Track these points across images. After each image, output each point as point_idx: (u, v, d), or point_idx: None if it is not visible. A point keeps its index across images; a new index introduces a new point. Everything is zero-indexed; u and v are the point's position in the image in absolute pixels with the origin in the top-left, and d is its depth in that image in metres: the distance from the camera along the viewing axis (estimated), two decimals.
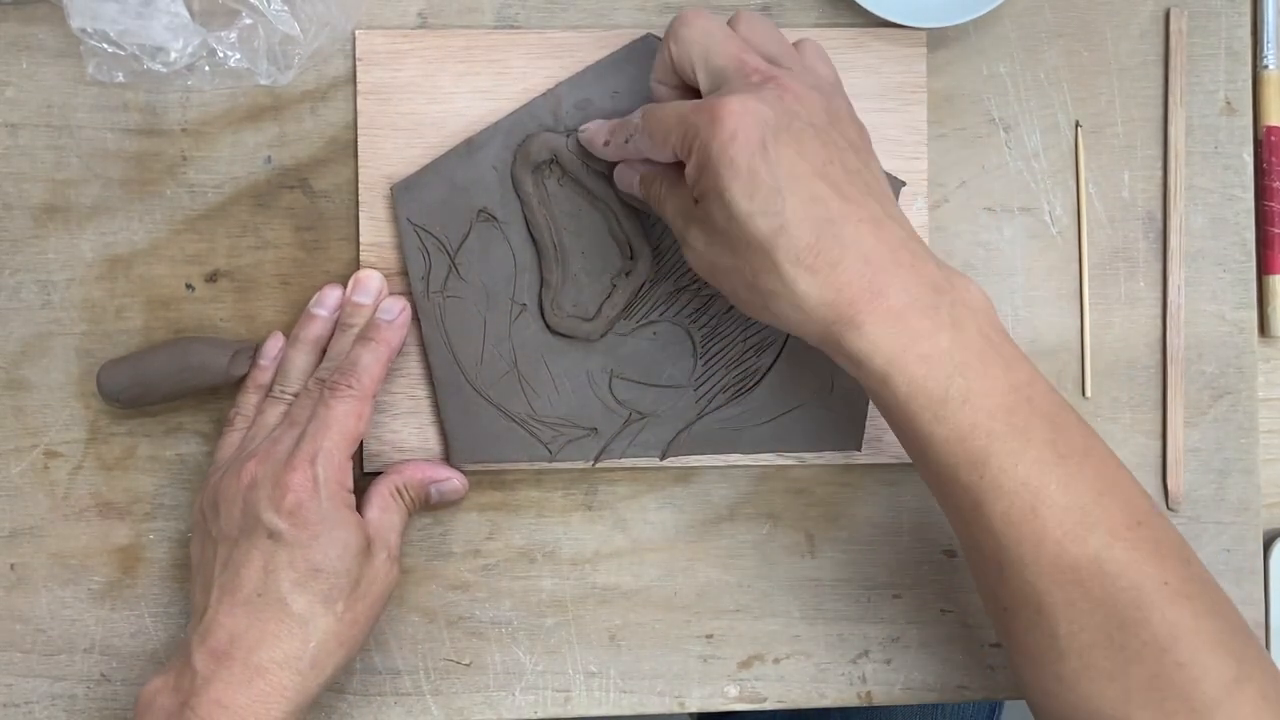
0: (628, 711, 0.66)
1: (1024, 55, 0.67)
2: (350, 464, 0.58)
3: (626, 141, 0.58)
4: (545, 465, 0.64)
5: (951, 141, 0.66)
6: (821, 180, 0.52)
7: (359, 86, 0.64)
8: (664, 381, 0.64)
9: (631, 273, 0.63)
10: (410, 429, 0.64)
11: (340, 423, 0.58)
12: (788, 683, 0.66)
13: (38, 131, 0.64)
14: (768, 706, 0.66)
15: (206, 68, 0.64)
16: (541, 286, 0.63)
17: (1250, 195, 0.67)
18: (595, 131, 0.61)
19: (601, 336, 0.63)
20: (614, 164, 0.62)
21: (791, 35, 0.65)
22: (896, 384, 0.52)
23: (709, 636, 0.66)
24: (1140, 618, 0.50)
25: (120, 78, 0.63)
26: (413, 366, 0.64)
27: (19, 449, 0.64)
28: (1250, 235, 0.67)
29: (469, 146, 0.63)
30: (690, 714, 0.81)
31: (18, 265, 0.64)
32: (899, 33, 0.65)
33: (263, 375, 0.63)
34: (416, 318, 0.64)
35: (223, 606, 0.56)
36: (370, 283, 0.62)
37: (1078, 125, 0.67)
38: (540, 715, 0.65)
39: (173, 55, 0.63)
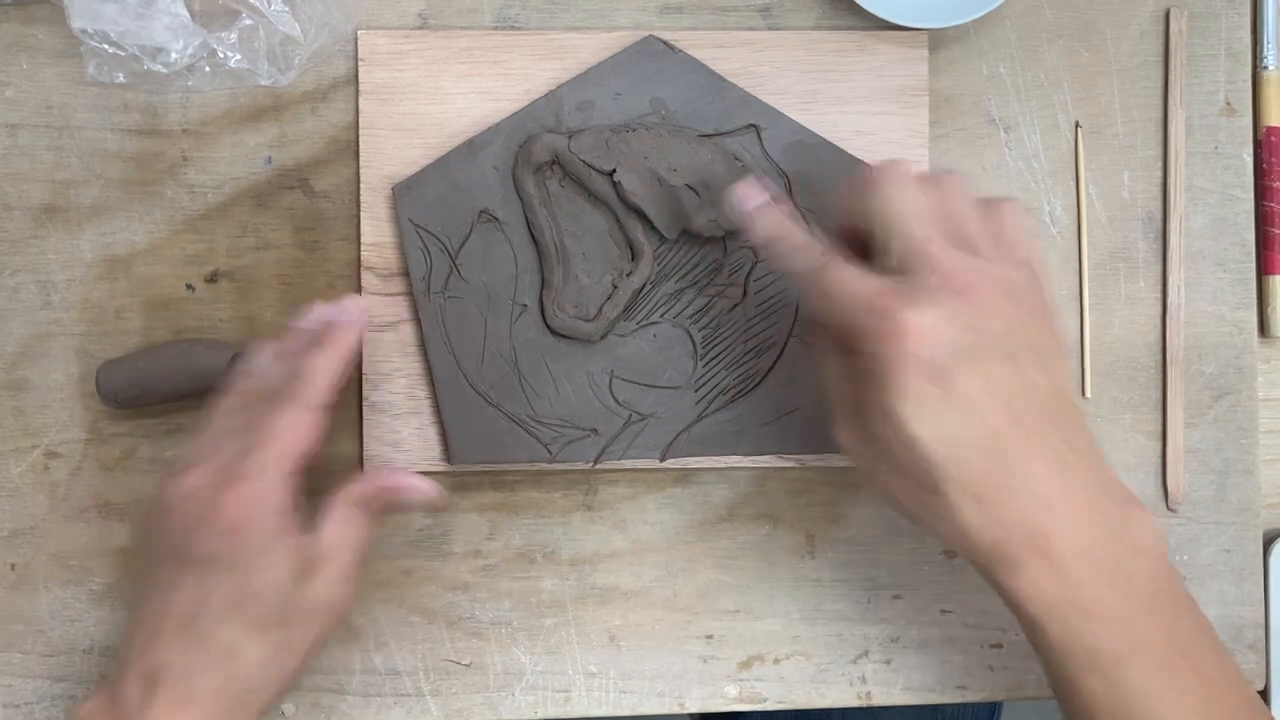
0: (628, 711, 0.66)
1: (1024, 55, 0.67)
2: (291, 480, 0.54)
3: (791, 254, 0.54)
4: (545, 466, 0.64)
5: (952, 142, 0.66)
6: (1003, 410, 0.49)
7: (361, 87, 0.64)
8: (664, 383, 0.64)
9: (632, 274, 0.63)
10: (410, 429, 0.64)
11: (282, 437, 0.54)
12: (788, 683, 0.66)
13: (38, 132, 0.64)
14: (768, 707, 0.66)
15: (207, 68, 0.64)
16: (542, 287, 0.63)
17: (1250, 195, 0.67)
18: (759, 205, 0.56)
19: (602, 337, 0.63)
20: (613, 169, 0.62)
21: (792, 37, 0.65)
22: (1051, 633, 0.49)
23: (709, 637, 0.66)
24: None
25: (120, 78, 0.63)
26: (413, 366, 0.64)
27: (19, 449, 0.64)
28: (1250, 235, 0.67)
29: (470, 147, 0.63)
30: (690, 714, 0.81)
31: (18, 265, 0.64)
32: (900, 35, 0.65)
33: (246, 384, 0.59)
34: (417, 318, 0.64)
35: (153, 631, 0.54)
36: (351, 305, 0.59)
37: (1078, 125, 0.67)
38: (540, 715, 0.65)
39: (173, 56, 0.63)
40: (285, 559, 0.54)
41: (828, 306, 0.51)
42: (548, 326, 0.63)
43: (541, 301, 0.63)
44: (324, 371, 0.56)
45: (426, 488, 0.58)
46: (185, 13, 0.62)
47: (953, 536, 0.50)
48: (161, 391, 0.62)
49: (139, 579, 0.57)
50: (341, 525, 0.56)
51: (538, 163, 0.63)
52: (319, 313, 0.59)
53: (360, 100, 0.64)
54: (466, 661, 0.65)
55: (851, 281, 0.50)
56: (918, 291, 0.49)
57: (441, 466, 0.64)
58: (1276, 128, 0.67)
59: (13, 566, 0.64)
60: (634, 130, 0.63)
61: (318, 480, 0.65)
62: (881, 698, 0.66)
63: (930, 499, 0.50)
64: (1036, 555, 0.49)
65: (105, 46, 0.62)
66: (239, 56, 0.63)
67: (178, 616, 0.53)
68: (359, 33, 0.64)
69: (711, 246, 0.64)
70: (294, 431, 0.54)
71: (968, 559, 0.51)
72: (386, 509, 0.58)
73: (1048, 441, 0.49)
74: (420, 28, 0.65)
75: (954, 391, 0.48)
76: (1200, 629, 0.51)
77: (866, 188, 0.52)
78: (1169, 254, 0.67)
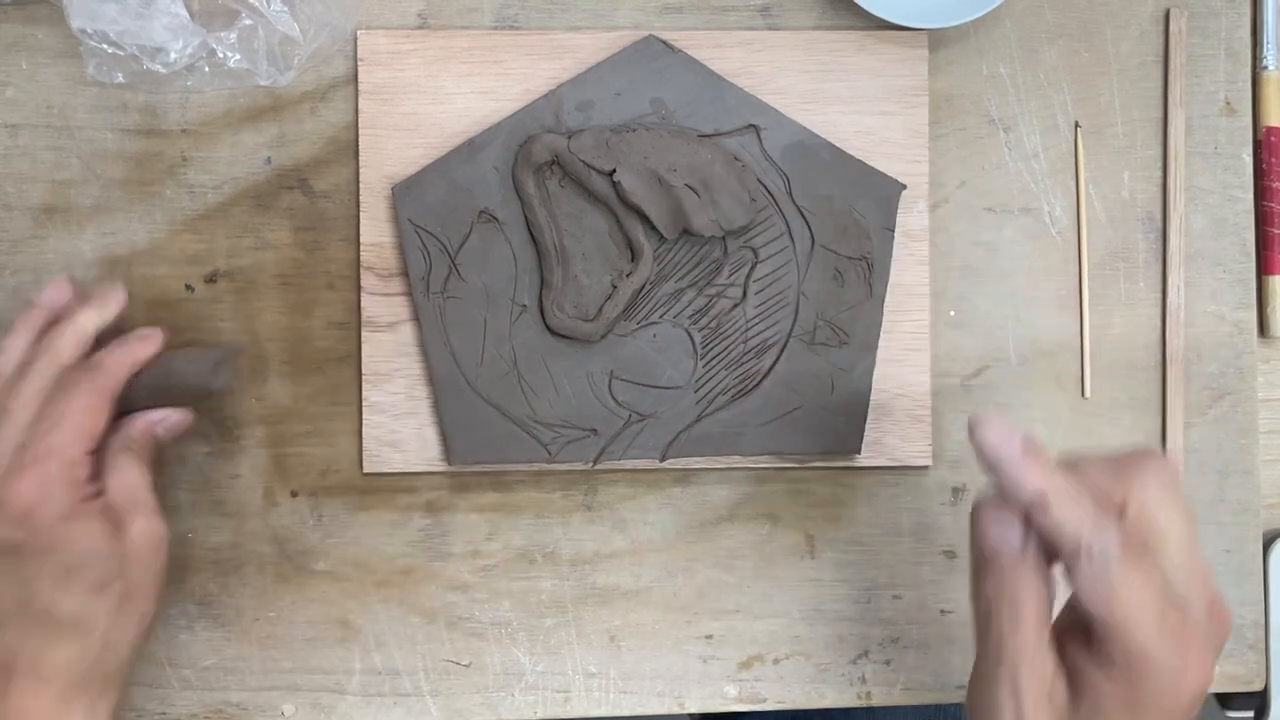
0: (628, 712, 0.66)
1: (1024, 55, 0.67)
2: (87, 460, 0.56)
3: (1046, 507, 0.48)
4: (545, 466, 0.64)
5: (951, 142, 0.66)
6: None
7: (360, 86, 0.64)
8: (664, 383, 0.64)
9: (632, 274, 0.63)
10: (410, 429, 0.64)
11: (78, 418, 0.55)
12: (788, 683, 0.66)
13: (38, 132, 0.64)
14: (768, 707, 0.66)
15: (206, 68, 0.64)
16: (542, 287, 0.63)
17: (1250, 195, 0.67)
18: (1033, 470, 0.48)
19: (602, 337, 0.63)
20: (613, 169, 0.62)
21: (792, 37, 0.65)
22: None
23: (709, 637, 0.66)
24: None
25: (120, 78, 0.63)
26: (413, 366, 0.64)
27: None
28: (1250, 235, 0.67)
29: (470, 147, 0.63)
30: (690, 714, 0.81)
31: (18, 265, 0.64)
32: (900, 35, 0.65)
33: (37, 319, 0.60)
34: (416, 318, 0.64)
35: None
36: (60, 288, 0.60)
37: (1077, 125, 0.67)
38: (540, 716, 0.65)
39: (173, 56, 0.63)
40: (94, 522, 0.55)
41: (1115, 607, 0.46)
42: (547, 326, 0.63)
43: (541, 301, 0.63)
44: (118, 367, 0.57)
45: (177, 414, 0.60)
46: (185, 13, 0.62)
47: None
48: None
49: None
50: (122, 472, 0.57)
51: (538, 163, 0.63)
52: (55, 292, 0.60)
53: (360, 100, 0.64)
54: (466, 662, 0.65)
55: (1150, 596, 0.46)
56: (1206, 639, 0.47)
57: (441, 467, 0.64)
58: (1276, 128, 0.67)
59: None
60: (634, 130, 0.63)
61: (315, 480, 0.65)
62: (881, 698, 0.66)
63: None
64: None
65: (105, 46, 0.62)
66: (238, 56, 0.63)
67: (12, 606, 0.54)
68: (359, 33, 0.64)
69: (711, 246, 0.64)
70: (87, 417, 0.56)
71: None
72: (151, 446, 0.59)
73: None
74: (420, 28, 0.65)
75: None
76: None
77: (1159, 493, 0.47)
78: (1169, 254, 0.67)
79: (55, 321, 0.59)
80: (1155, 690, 0.45)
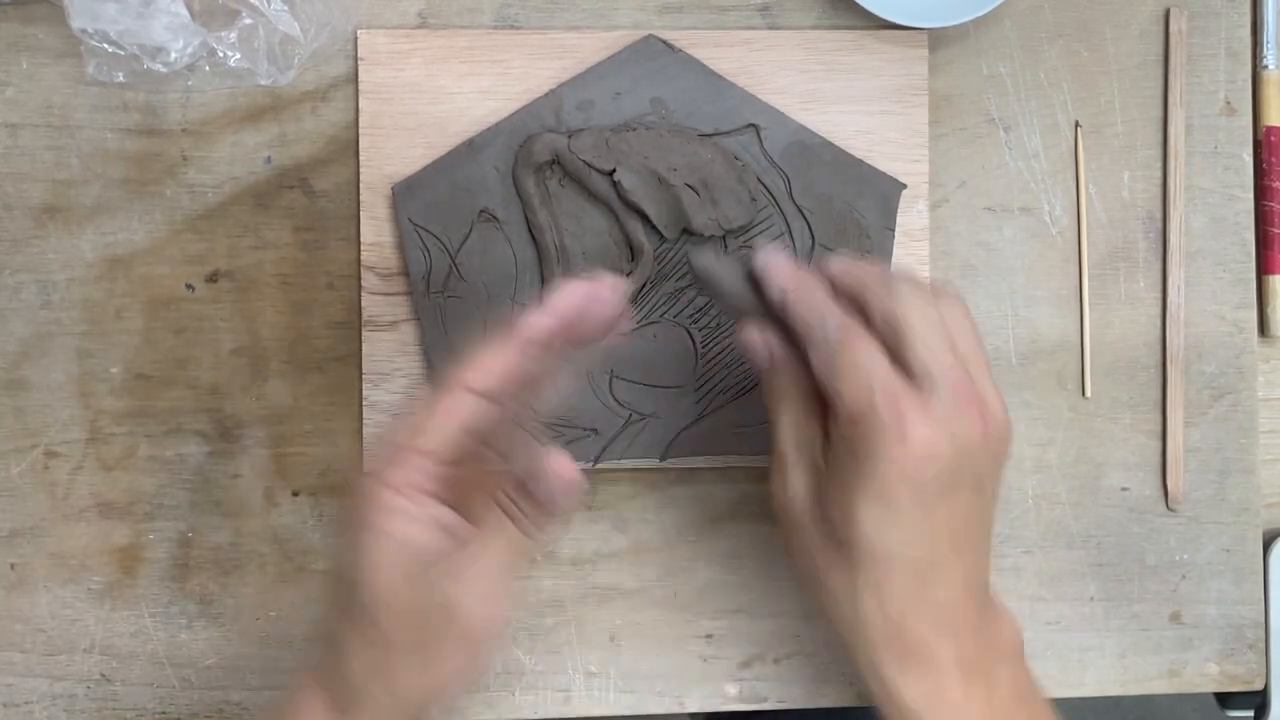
0: (628, 711, 0.66)
1: (1024, 55, 0.67)
2: (433, 467, 0.50)
3: (785, 297, 0.53)
4: None
5: (951, 141, 0.66)
6: (948, 536, 0.52)
7: (361, 86, 0.64)
8: (665, 382, 0.64)
9: (632, 274, 0.63)
10: None
11: (426, 416, 0.50)
12: (788, 683, 0.66)
13: (38, 131, 0.64)
14: (768, 706, 0.66)
15: (206, 68, 0.64)
16: (542, 287, 0.63)
17: (1250, 195, 0.67)
18: (782, 272, 0.53)
19: None
20: (613, 169, 0.62)
21: (792, 36, 0.65)
22: None
23: (709, 636, 0.66)
24: None
25: (120, 78, 0.63)
26: (413, 366, 0.64)
27: (19, 449, 0.64)
28: (1250, 235, 0.67)
29: (470, 147, 0.63)
30: (690, 714, 0.81)
31: (18, 265, 0.64)
32: (900, 34, 0.65)
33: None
34: (417, 318, 0.64)
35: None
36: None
37: (1078, 125, 0.67)
38: (540, 715, 0.65)
39: (173, 55, 0.63)
40: (387, 548, 0.49)
41: (839, 379, 0.51)
42: None
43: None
44: (489, 357, 0.51)
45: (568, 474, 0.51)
46: (185, 12, 0.62)
47: (846, 619, 0.53)
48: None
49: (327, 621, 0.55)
50: (492, 524, 0.51)
51: (538, 162, 0.63)
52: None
53: (360, 100, 0.64)
54: None
55: (873, 363, 0.50)
56: (935, 403, 0.50)
57: None
58: (1276, 127, 0.67)
59: (13, 566, 0.64)
60: (634, 130, 0.63)
61: (316, 480, 0.65)
62: None
63: (840, 581, 0.52)
64: (922, 661, 0.52)
65: (105, 46, 0.62)
66: (239, 56, 0.63)
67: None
68: (359, 32, 0.64)
69: (712, 246, 0.64)
70: (441, 415, 0.50)
71: (844, 641, 0.54)
72: (542, 514, 0.52)
73: (967, 567, 0.53)
74: (420, 27, 0.65)
75: (920, 511, 0.51)
76: (1052, 716, 0.56)
77: (906, 301, 0.51)
78: (1169, 254, 0.67)
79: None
80: (874, 449, 0.49)
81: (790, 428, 0.54)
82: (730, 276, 0.55)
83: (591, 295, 0.52)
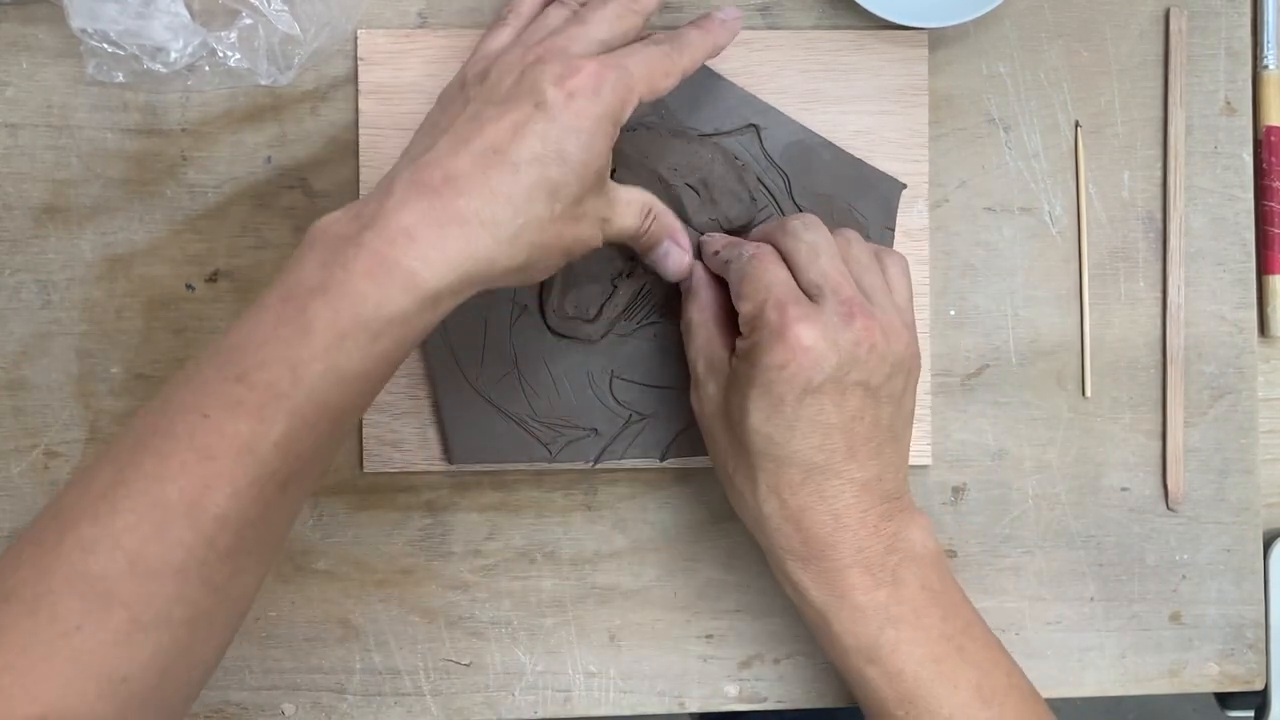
0: (628, 711, 0.66)
1: (1024, 55, 0.67)
2: (636, 103, 0.54)
3: (717, 254, 0.59)
4: (545, 466, 0.64)
5: (951, 141, 0.66)
6: (841, 433, 0.55)
7: (361, 86, 0.64)
8: (665, 382, 0.64)
9: (632, 274, 0.63)
10: (410, 429, 0.64)
11: (651, 61, 0.54)
12: (788, 683, 0.66)
13: (38, 131, 0.64)
14: (768, 706, 0.66)
15: (206, 68, 0.64)
16: (542, 287, 0.63)
17: (1250, 195, 0.67)
18: (715, 238, 0.61)
19: (602, 337, 0.63)
20: (613, 169, 0.62)
21: (792, 36, 0.65)
22: (831, 623, 0.56)
23: (709, 636, 0.66)
24: None
25: (120, 78, 0.63)
26: (413, 366, 0.64)
27: (19, 449, 0.64)
28: (1250, 235, 0.67)
29: None
30: (690, 714, 0.81)
31: (18, 265, 0.64)
32: (900, 34, 0.65)
33: None
34: None
35: (448, 149, 0.51)
36: (733, 13, 0.60)
37: (1078, 125, 0.67)
38: (540, 715, 0.65)
39: (173, 55, 0.63)
40: (603, 152, 0.53)
41: (743, 287, 0.56)
42: (548, 326, 0.63)
43: (541, 301, 0.63)
44: (698, 45, 0.57)
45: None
46: (185, 12, 0.62)
47: (754, 519, 0.57)
48: None
49: (437, 122, 0.55)
50: (633, 205, 0.57)
51: None
52: None
53: (360, 100, 0.64)
54: (466, 661, 0.65)
55: (775, 277, 0.55)
56: (821, 314, 0.54)
57: (441, 466, 0.64)
58: (1276, 127, 0.67)
59: None
60: (634, 130, 0.63)
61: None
62: None
63: (745, 480, 0.56)
64: (823, 559, 0.55)
65: (105, 46, 0.62)
66: (239, 56, 0.63)
67: (486, 142, 0.51)
68: (359, 32, 0.64)
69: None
70: (660, 65, 0.55)
71: (758, 540, 0.58)
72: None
73: (865, 470, 0.56)
74: (420, 27, 0.65)
75: (806, 408, 0.54)
76: (969, 623, 0.57)
77: (796, 231, 0.57)
78: (1169, 254, 0.67)
79: None
80: (763, 352, 0.54)
81: (703, 348, 0.58)
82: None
83: None
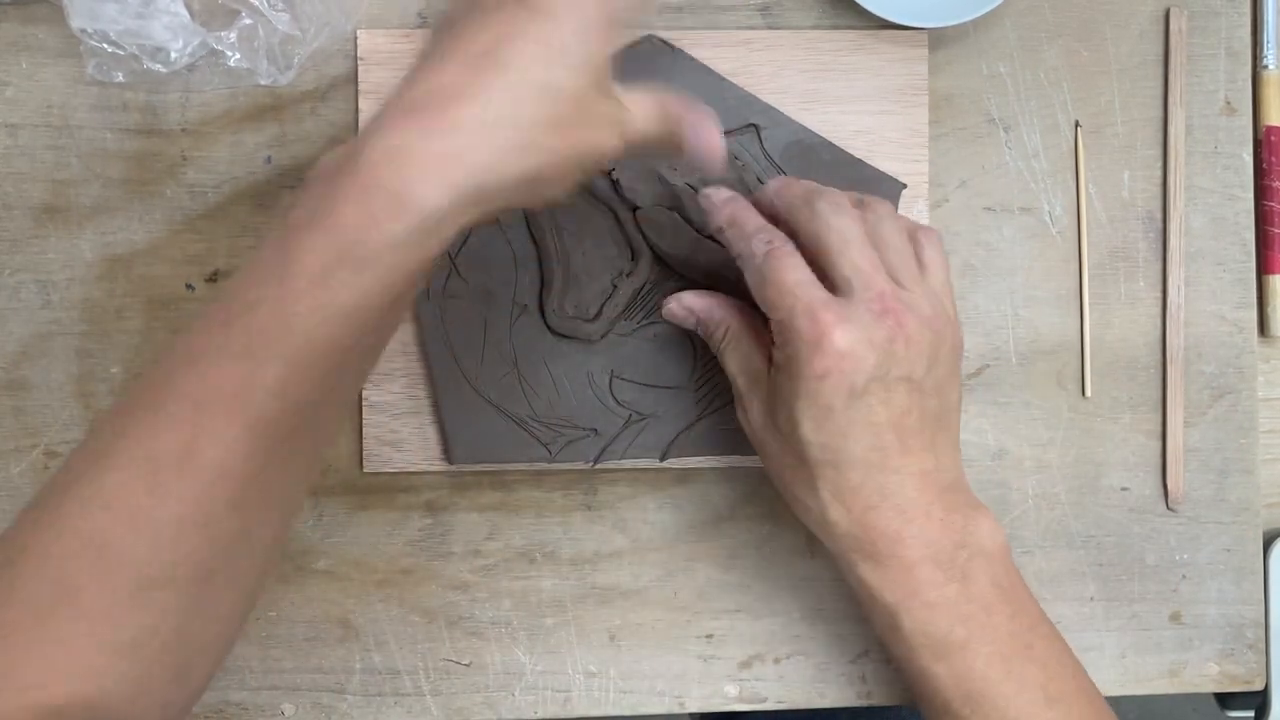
0: (628, 711, 0.66)
1: (1024, 55, 0.67)
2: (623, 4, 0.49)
3: (722, 231, 0.57)
4: (545, 466, 0.64)
5: (951, 141, 0.66)
6: (892, 431, 0.54)
7: (361, 86, 0.64)
8: (664, 382, 0.64)
9: (632, 273, 0.63)
10: (410, 429, 0.64)
11: None
12: (788, 683, 0.66)
13: (38, 131, 0.64)
14: (768, 706, 0.66)
15: (206, 68, 0.64)
16: (542, 287, 0.63)
17: (1250, 195, 0.67)
18: (718, 206, 0.58)
19: (602, 337, 0.63)
20: (612, 169, 0.62)
21: (792, 36, 0.65)
22: (901, 621, 0.55)
23: (709, 636, 0.66)
24: None
25: (120, 78, 0.63)
26: (413, 366, 0.64)
27: (19, 449, 0.64)
28: (1250, 235, 0.67)
29: None
30: (690, 714, 0.81)
31: (18, 265, 0.64)
32: (900, 34, 0.65)
33: None
34: (417, 317, 0.64)
35: (435, 63, 0.47)
36: None
37: (1078, 125, 0.67)
38: (540, 715, 0.65)
39: (173, 55, 0.63)
40: (598, 47, 0.48)
41: (766, 294, 0.54)
42: (548, 326, 0.63)
43: (541, 301, 0.63)
44: None
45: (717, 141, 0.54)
46: (185, 12, 0.62)
47: (820, 526, 0.56)
48: None
49: (421, 53, 0.50)
50: (646, 101, 0.51)
51: None
52: None
53: (360, 100, 0.64)
54: (466, 661, 0.65)
55: (798, 282, 0.54)
56: (854, 315, 0.53)
57: (441, 466, 0.64)
58: (1276, 127, 0.67)
59: None
60: None
61: (315, 479, 0.65)
62: (881, 697, 0.66)
63: (805, 491, 0.56)
64: (892, 556, 0.55)
65: (105, 46, 0.62)
66: (238, 56, 0.63)
67: (475, 49, 0.47)
68: (359, 32, 0.64)
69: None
70: None
71: (827, 545, 0.57)
72: (671, 138, 0.53)
73: (922, 462, 0.55)
74: (420, 27, 0.65)
75: (855, 412, 0.53)
76: (1037, 621, 0.57)
77: (823, 214, 0.55)
78: (1169, 254, 0.67)
79: None
80: (800, 360, 0.53)
81: (739, 362, 0.58)
82: (675, 232, 0.62)
83: None
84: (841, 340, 0.52)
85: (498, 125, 0.46)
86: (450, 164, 0.45)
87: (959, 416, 0.57)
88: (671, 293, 0.64)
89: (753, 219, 0.57)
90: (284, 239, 0.46)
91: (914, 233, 0.57)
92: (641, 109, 0.51)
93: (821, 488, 0.55)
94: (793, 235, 0.56)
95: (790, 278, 0.54)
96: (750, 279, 0.56)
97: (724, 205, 0.58)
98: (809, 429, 0.54)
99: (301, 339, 0.45)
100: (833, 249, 0.54)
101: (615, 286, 0.63)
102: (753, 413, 0.57)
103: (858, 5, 0.64)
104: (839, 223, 0.55)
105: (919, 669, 0.56)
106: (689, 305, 0.60)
